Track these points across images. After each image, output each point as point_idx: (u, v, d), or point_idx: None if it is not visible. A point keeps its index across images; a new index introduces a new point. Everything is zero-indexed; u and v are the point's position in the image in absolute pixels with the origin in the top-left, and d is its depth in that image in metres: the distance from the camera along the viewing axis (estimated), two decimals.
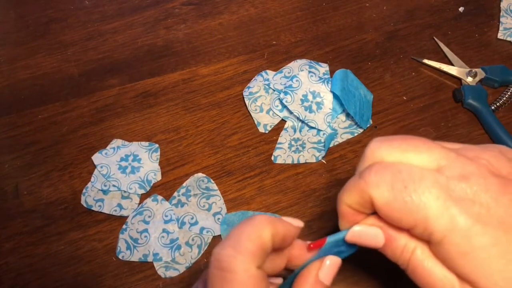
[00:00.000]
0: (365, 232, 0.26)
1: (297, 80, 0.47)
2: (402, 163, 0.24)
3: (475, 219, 0.22)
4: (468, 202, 0.22)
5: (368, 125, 0.46)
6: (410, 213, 0.23)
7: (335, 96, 0.46)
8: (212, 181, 0.44)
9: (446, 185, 0.22)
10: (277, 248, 0.26)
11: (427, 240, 0.23)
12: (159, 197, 0.43)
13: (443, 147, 0.24)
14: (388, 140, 0.25)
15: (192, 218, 0.42)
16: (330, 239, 0.27)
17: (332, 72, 0.49)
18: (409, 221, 0.23)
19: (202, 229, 0.42)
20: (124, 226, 0.42)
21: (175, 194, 0.44)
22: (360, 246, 0.27)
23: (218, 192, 0.44)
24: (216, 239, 0.42)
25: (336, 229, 0.43)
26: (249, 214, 0.42)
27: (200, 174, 0.44)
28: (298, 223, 0.27)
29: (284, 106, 0.47)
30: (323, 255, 0.27)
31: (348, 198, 0.26)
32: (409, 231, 0.24)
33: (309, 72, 0.48)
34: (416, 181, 0.23)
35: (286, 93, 0.47)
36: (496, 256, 0.21)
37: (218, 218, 0.42)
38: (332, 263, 0.27)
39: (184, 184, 0.44)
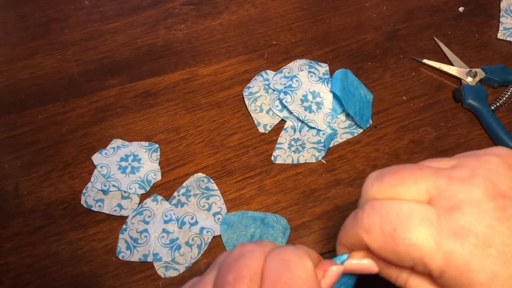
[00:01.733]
0: (360, 265, 0.25)
1: (297, 80, 0.47)
2: (393, 201, 0.23)
3: (471, 253, 0.20)
4: (463, 235, 0.21)
5: (368, 125, 0.46)
6: (406, 254, 0.22)
7: (335, 96, 0.46)
8: (212, 181, 0.44)
9: (437, 220, 0.21)
10: None
11: (427, 273, 0.22)
12: (159, 197, 0.43)
13: (433, 173, 0.23)
14: (379, 177, 0.24)
15: (192, 218, 0.42)
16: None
17: (332, 72, 0.49)
18: (407, 261, 0.22)
19: (202, 229, 0.42)
20: (124, 226, 0.42)
21: (175, 194, 0.44)
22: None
23: (218, 192, 0.44)
24: (216, 239, 0.42)
25: (335, 229, 0.43)
26: (249, 214, 0.42)
27: (200, 174, 0.44)
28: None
29: (284, 106, 0.47)
30: None
31: (346, 240, 0.25)
32: (412, 268, 0.23)
33: (309, 72, 0.48)
34: (404, 221, 0.22)
35: (286, 93, 0.47)
36: None
37: (218, 218, 0.42)
38: (332, 272, 0.25)
39: (184, 184, 0.44)
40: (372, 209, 0.23)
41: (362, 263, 0.25)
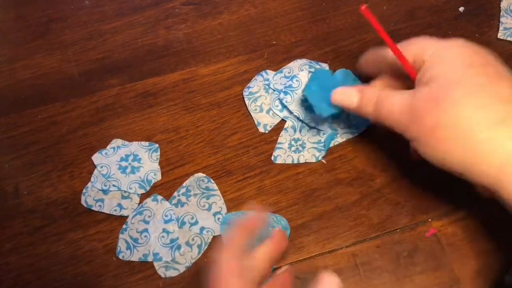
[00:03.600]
0: (345, 92, 0.38)
1: (297, 80, 0.47)
2: None
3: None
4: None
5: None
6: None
7: None
8: (212, 181, 0.44)
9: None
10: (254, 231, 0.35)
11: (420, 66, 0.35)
12: (159, 197, 0.43)
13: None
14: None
15: (192, 218, 0.42)
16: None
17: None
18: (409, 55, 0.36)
19: (202, 229, 0.42)
20: (124, 226, 0.42)
21: (175, 194, 0.44)
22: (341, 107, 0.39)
23: (218, 192, 0.44)
24: (216, 239, 0.42)
25: (336, 229, 0.43)
26: (250, 213, 0.42)
27: (200, 174, 0.44)
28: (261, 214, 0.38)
29: (284, 106, 0.47)
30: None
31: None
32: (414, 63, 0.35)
33: (309, 72, 0.48)
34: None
35: (286, 93, 0.47)
36: (454, 55, 0.34)
37: (219, 218, 0.42)
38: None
39: (184, 184, 0.44)
40: None
41: (347, 90, 0.39)
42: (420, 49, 0.34)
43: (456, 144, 0.30)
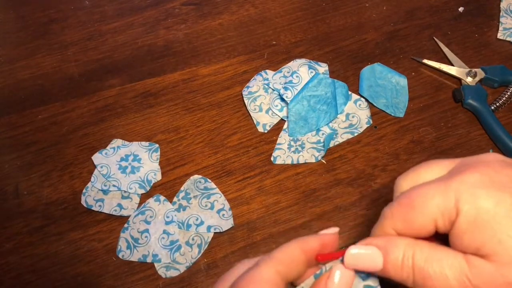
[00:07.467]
0: (362, 254, 0.26)
1: (297, 76, 0.47)
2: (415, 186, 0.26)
3: (477, 186, 0.23)
4: (469, 175, 0.24)
5: (405, 111, 0.47)
6: (423, 210, 0.24)
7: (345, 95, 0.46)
8: (210, 181, 0.44)
9: (449, 174, 0.25)
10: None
11: (449, 228, 0.24)
12: (162, 197, 0.43)
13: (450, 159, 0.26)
14: (404, 173, 0.27)
15: (197, 219, 0.42)
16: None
17: (331, 72, 0.49)
18: (427, 219, 0.24)
19: (209, 227, 0.42)
20: (125, 225, 0.42)
21: (175, 199, 0.43)
22: (360, 271, 0.26)
23: (218, 190, 0.44)
24: (217, 239, 0.42)
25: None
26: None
27: (196, 176, 0.44)
28: (333, 230, 0.28)
29: (284, 106, 0.47)
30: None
31: (379, 230, 0.28)
32: (437, 229, 0.25)
33: (309, 67, 0.48)
34: (418, 187, 0.25)
35: (286, 89, 0.47)
36: (500, 216, 0.22)
37: (223, 214, 0.42)
38: (342, 274, 0.26)
39: (182, 188, 0.44)
40: (395, 203, 0.26)
41: (365, 251, 0.26)
42: (433, 207, 0.25)
43: None
